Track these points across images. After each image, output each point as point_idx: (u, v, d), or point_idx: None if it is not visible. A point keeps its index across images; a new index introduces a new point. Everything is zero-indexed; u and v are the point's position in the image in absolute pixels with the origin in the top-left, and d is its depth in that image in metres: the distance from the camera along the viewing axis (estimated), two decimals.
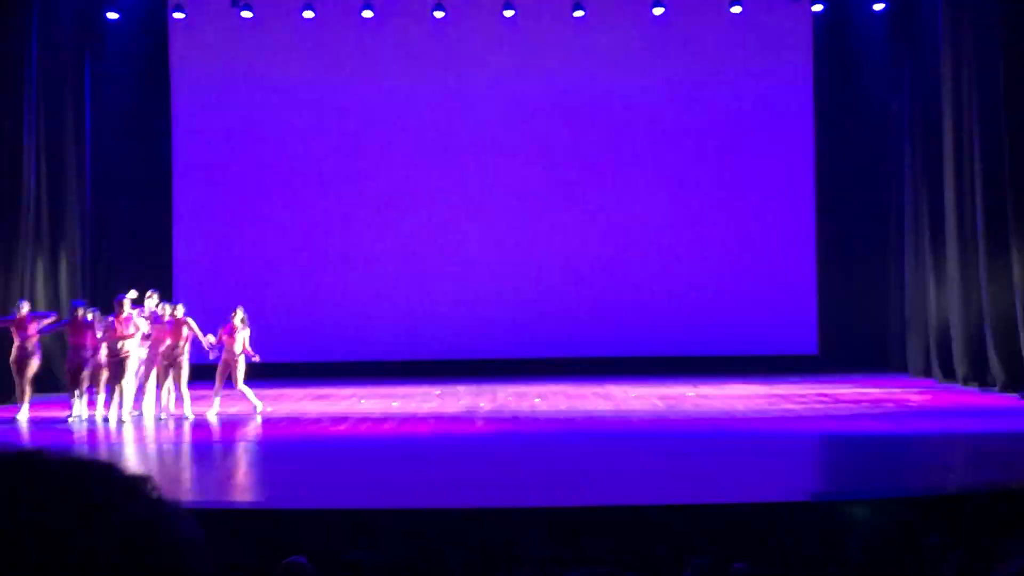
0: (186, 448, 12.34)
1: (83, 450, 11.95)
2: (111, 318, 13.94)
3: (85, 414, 14.00)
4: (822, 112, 20.46)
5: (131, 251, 20.05)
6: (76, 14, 18.94)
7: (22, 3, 16.87)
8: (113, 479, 1.00)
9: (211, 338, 14.49)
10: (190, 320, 14.43)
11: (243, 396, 14.47)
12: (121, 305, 13.93)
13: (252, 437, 12.72)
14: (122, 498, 0.98)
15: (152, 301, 14.40)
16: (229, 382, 14.56)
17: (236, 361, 14.42)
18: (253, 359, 14.56)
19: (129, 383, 13.97)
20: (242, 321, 14.50)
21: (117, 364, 13.86)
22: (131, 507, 0.98)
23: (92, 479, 0.99)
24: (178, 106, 20.44)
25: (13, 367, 14.19)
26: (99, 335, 13.96)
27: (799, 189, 20.51)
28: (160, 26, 20.31)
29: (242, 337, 14.47)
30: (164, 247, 20.35)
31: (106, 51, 19.99)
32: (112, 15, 19.68)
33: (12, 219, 16.64)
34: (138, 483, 1.01)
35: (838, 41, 20.47)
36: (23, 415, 13.98)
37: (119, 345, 13.84)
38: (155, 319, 14.39)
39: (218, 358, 14.57)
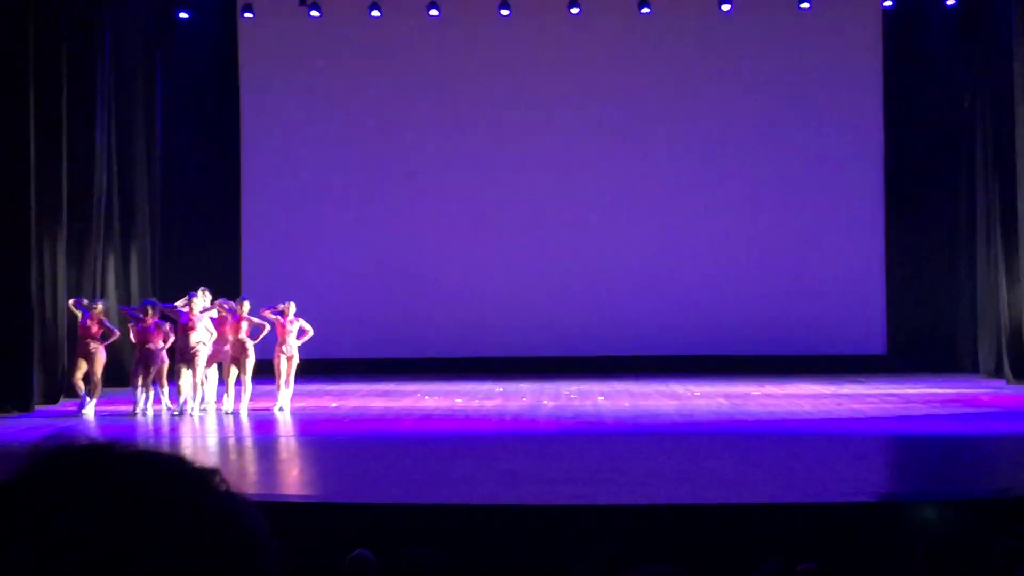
0: (250, 442, 12.45)
1: (150, 444, 12.11)
2: (179, 309, 14.22)
3: (150, 410, 14.20)
4: (892, 108, 20.19)
5: (200, 248, 20.27)
6: (147, 14, 19.19)
7: (94, 3, 17.11)
8: (183, 472, 1.01)
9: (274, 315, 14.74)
10: (253, 318, 14.64)
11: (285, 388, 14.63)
12: (191, 302, 14.16)
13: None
14: (192, 490, 0.99)
15: (205, 299, 14.51)
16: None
17: (292, 355, 14.61)
18: (306, 335, 14.77)
19: (198, 378, 14.17)
20: (295, 315, 14.73)
21: (187, 360, 14.06)
22: (201, 499, 0.99)
23: (162, 471, 0.99)
24: (247, 105, 20.63)
25: (78, 363, 14.45)
26: (166, 329, 14.25)
27: (868, 186, 20.26)
28: (230, 26, 20.51)
29: (295, 329, 14.70)
30: (232, 244, 20.56)
31: (176, 50, 20.22)
32: (182, 15, 19.93)
33: (84, 216, 16.89)
34: (208, 476, 1.01)
35: (908, 37, 20.18)
36: (91, 409, 14.24)
37: (190, 341, 14.04)
38: (217, 317, 14.59)
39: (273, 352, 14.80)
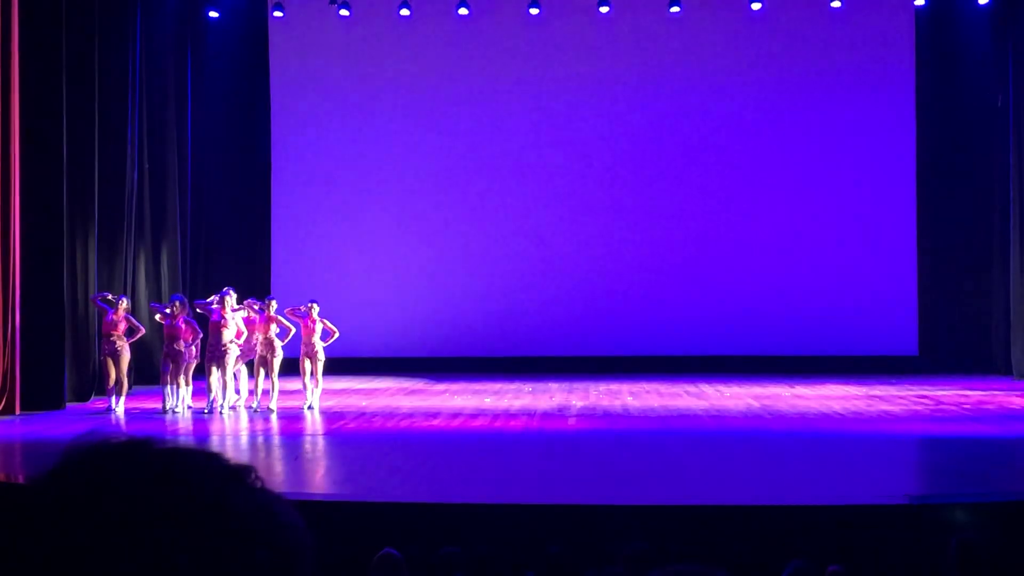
0: (278, 440, 12.48)
1: (185, 441, 12.16)
2: (212, 306, 14.32)
3: (180, 407, 14.29)
4: (924, 107, 20.05)
5: (230, 245, 20.38)
6: (177, 13, 19.29)
7: (126, 2, 17.21)
8: (219, 468, 1.01)
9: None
10: (280, 317, 14.69)
11: (311, 388, 14.69)
12: (223, 300, 14.23)
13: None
14: (227, 486, 0.99)
15: (231, 299, 14.54)
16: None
17: (316, 354, 14.64)
18: (332, 335, 14.79)
19: (227, 377, 14.24)
20: (319, 315, 14.76)
21: (217, 358, 14.13)
22: (237, 495, 0.99)
23: (198, 468, 1.00)
24: (277, 103, 20.70)
25: (105, 360, 14.53)
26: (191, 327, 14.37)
27: (900, 186, 20.12)
28: (260, 24, 20.60)
29: (319, 329, 14.75)
30: (262, 241, 20.65)
31: (207, 49, 20.33)
32: (213, 14, 20.02)
33: (115, 214, 16.98)
34: (242, 472, 1.02)
35: (941, 35, 20.03)
36: (120, 406, 14.34)
37: (221, 339, 14.12)
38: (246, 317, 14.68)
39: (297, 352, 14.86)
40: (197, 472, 0.99)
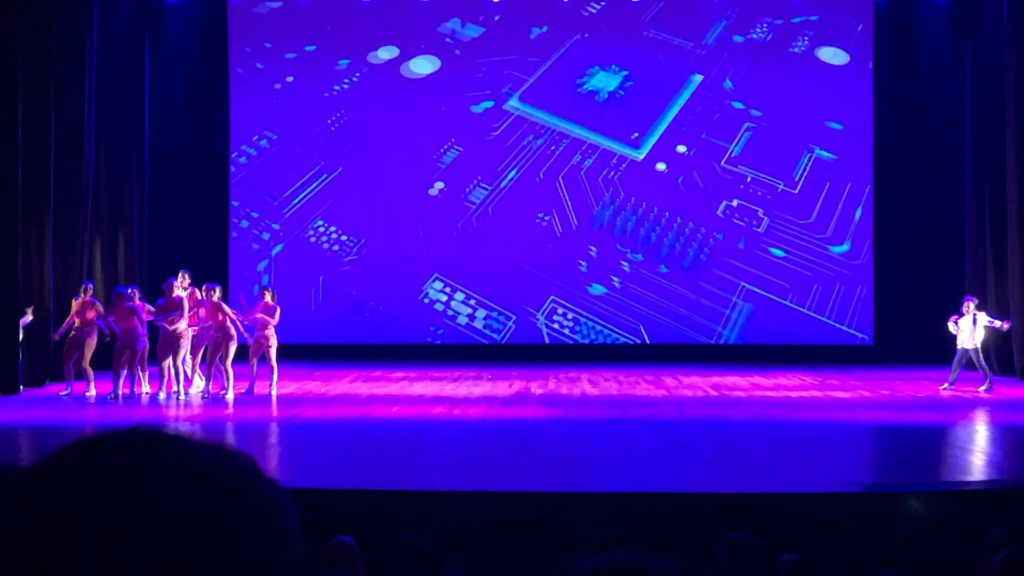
0: (231, 427, 12.40)
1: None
2: (160, 301, 14.25)
3: (144, 393, 14.20)
4: (881, 100, 20.17)
5: (188, 231, 20.19)
6: None
7: None
8: (239, 465, 1.03)
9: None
10: (225, 306, 14.58)
11: (271, 373, 14.63)
12: (171, 288, 14.15)
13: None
14: (250, 483, 1.02)
15: (185, 281, 14.50)
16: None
17: (268, 340, 14.57)
18: (269, 332, 14.71)
19: (178, 362, 14.16)
20: (272, 300, 14.69)
21: (168, 345, 14.05)
22: (259, 491, 1.02)
23: (219, 466, 1.02)
24: (236, 87, 20.53)
25: (68, 347, 14.39)
26: (143, 317, 14.27)
27: (857, 178, 20.24)
28: (219, 7, 20.41)
29: (278, 314, 14.70)
30: (220, 227, 20.47)
31: (165, 32, 20.12)
32: None
33: (72, 199, 16.80)
34: (256, 466, 1.04)
35: (899, 29, 20.15)
36: (91, 392, 14.21)
37: (171, 326, 14.03)
38: (198, 301, 14.58)
39: (251, 338, 14.76)
40: (220, 470, 1.01)
